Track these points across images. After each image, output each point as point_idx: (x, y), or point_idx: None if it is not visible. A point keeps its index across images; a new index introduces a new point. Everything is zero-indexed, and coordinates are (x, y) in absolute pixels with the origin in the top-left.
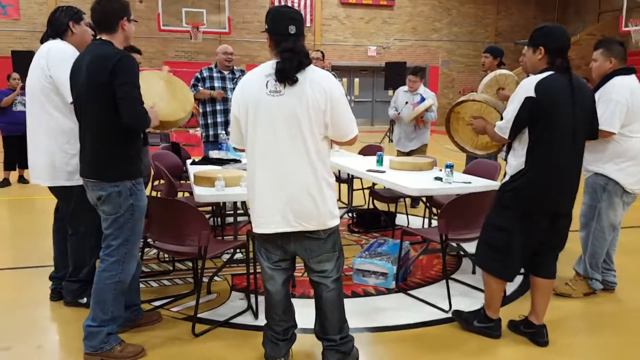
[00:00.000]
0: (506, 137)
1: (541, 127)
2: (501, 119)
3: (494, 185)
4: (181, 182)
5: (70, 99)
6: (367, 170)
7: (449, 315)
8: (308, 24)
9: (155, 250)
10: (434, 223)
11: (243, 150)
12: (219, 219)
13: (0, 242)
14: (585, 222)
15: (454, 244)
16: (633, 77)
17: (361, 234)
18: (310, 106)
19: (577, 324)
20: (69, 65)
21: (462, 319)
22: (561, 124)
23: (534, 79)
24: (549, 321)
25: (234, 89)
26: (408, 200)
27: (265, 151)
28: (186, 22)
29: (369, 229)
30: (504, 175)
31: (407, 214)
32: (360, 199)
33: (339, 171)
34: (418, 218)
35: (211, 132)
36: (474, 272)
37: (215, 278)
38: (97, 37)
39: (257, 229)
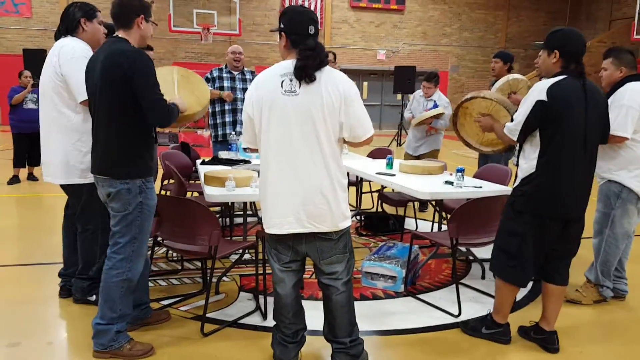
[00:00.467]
0: (515, 139)
1: (552, 131)
2: (511, 120)
3: (504, 190)
4: (190, 181)
5: (80, 98)
6: (377, 173)
7: (459, 320)
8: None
9: (164, 249)
10: (443, 227)
11: (254, 151)
12: (227, 220)
13: (10, 239)
14: (599, 229)
15: (464, 249)
16: None
17: (369, 237)
18: (325, 106)
19: (588, 331)
20: (79, 64)
21: (469, 329)
22: (572, 129)
23: (547, 82)
24: (559, 328)
25: (243, 89)
26: (417, 204)
27: (279, 151)
28: (197, 24)
29: (377, 232)
30: (515, 179)
31: (415, 218)
32: (368, 202)
33: (348, 173)
34: (427, 222)
35: (220, 132)
36: (483, 277)
37: (224, 278)
38: (114, 35)
39: (269, 230)
